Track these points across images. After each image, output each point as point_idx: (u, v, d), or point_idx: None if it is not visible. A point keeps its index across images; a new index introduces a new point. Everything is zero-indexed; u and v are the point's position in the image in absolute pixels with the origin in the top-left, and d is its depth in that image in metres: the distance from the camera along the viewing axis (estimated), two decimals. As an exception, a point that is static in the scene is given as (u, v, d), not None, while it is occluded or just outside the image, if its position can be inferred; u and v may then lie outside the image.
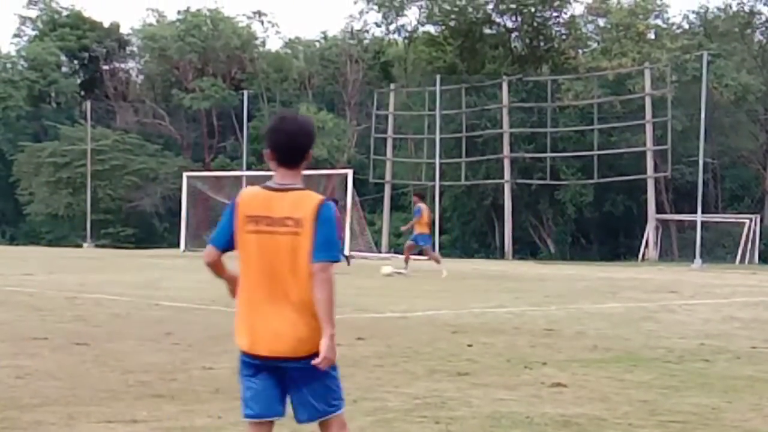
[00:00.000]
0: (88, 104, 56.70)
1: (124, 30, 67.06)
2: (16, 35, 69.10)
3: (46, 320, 13.23)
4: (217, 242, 4.77)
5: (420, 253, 28.05)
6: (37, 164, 57.47)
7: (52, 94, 65.42)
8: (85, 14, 66.91)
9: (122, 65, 68.07)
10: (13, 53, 67.55)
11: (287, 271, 4.54)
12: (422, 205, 26.72)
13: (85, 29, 65.12)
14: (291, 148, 4.72)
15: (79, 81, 67.16)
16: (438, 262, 25.90)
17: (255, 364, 4.61)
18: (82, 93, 64.77)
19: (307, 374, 4.55)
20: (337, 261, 4.62)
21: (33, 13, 68.14)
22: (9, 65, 65.23)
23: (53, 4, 67.49)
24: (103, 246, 49.59)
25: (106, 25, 66.68)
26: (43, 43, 64.08)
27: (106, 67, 64.97)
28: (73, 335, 11.55)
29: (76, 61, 67.66)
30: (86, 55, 65.84)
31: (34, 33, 67.74)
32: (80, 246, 49.48)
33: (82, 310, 14.63)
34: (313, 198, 4.66)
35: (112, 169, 55.32)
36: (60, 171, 56.30)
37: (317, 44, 62.49)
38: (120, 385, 8.40)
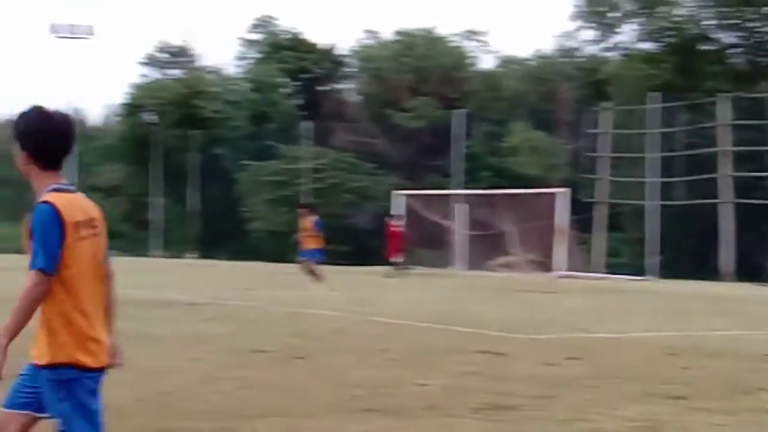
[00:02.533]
0: (307, 124, 58.52)
1: (341, 52, 68.91)
2: (240, 58, 72.21)
3: (268, 334, 13.71)
4: (54, 266, 4.07)
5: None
6: (258, 183, 59.66)
7: (274, 115, 67.87)
8: (305, 37, 69.22)
9: (339, 86, 69.89)
10: (238, 75, 70.61)
11: (102, 275, 4.36)
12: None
13: (305, 51, 67.30)
14: (66, 148, 4.30)
15: (298, 102, 69.44)
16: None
17: (97, 380, 4.28)
18: (302, 113, 66.89)
19: None
20: None
21: (257, 36, 71.08)
22: (234, 87, 68.14)
23: (276, 28, 70.17)
24: (320, 263, 50.71)
25: (324, 47, 68.71)
26: (265, 66, 66.64)
27: (324, 88, 66.87)
28: (293, 349, 11.93)
29: (296, 83, 69.98)
30: (305, 76, 68.01)
31: (257, 56, 70.59)
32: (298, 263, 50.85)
33: (300, 325, 15.09)
34: (89, 200, 4.46)
35: (329, 187, 56.76)
36: (280, 189, 58.20)
37: (530, 63, 62.24)
38: (335, 399, 8.63)
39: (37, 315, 4.13)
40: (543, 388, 9.38)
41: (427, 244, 47.63)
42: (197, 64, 73.80)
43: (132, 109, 70.37)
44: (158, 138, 65.83)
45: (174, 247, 61.75)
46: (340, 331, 14.44)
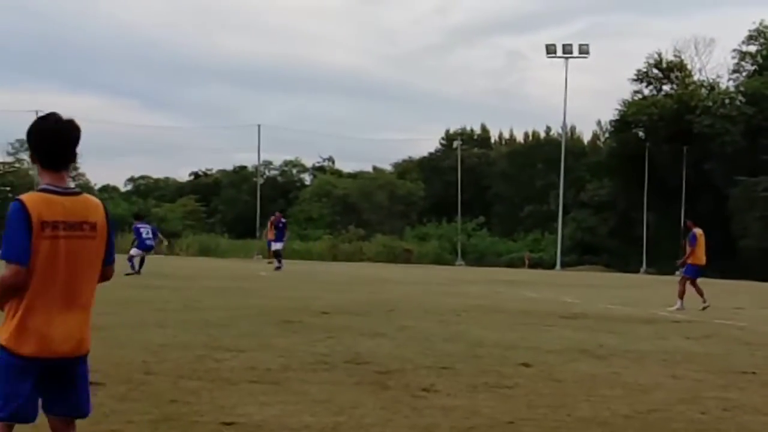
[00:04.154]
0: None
1: None
2: (734, 71, 70.05)
3: (755, 355, 13.22)
4: (25, 258, 4.43)
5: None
6: (751, 199, 57.44)
7: (770, 129, 65.00)
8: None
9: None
10: (732, 89, 68.52)
11: (85, 275, 4.62)
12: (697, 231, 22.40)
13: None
14: (60, 151, 4.60)
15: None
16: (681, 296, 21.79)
17: (35, 367, 4.51)
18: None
19: (84, 372, 4.75)
20: None
21: (752, 48, 68.54)
22: (727, 101, 66.23)
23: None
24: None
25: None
26: (761, 78, 64.08)
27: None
28: (782, 372, 11.43)
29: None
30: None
31: (753, 68, 68.07)
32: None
33: (792, 348, 14.37)
34: (99, 202, 4.70)
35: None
36: (775, 206, 55.69)
37: None
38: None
39: None
40: None
41: None
42: (690, 79, 72.70)
43: (622, 125, 70.94)
44: (648, 154, 65.71)
45: (661, 263, 61.19)
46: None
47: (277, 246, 38.04)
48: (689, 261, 22.56)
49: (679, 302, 21.82)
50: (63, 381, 4.65)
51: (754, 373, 11.25)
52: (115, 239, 4.83)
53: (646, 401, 9.05)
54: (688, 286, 22.24)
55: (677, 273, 22.71)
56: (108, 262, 4.76)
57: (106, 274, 4.80)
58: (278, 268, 36.22)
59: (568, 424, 7.92)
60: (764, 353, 13.49)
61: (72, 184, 4.66)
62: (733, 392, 9.78)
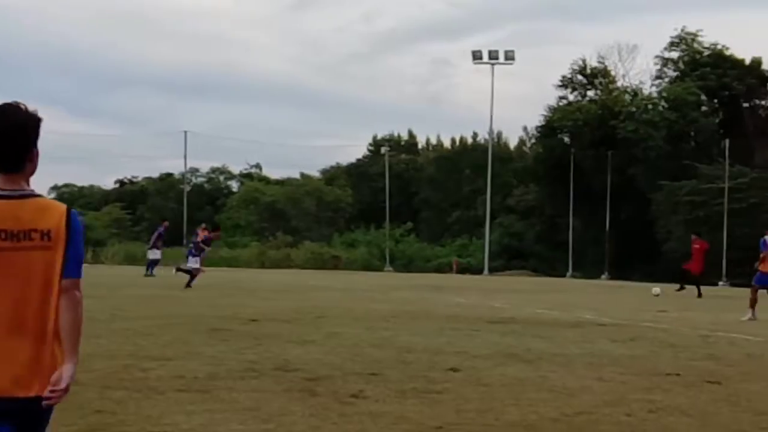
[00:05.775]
0: (726, 142, 56.49)
1: (766, 66, 65.91)
2: (657, 77, 71.27)
3: (679, 357, 13.42)
4: None
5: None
6: (674, 203, 58.46)
7: (692, 133, 66.22)
8: (727, 53, 66.97)
9: (763, 102, 66.82)
10: (655, 94, 69.72)
11: (33, 295, 3.71)
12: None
13: (726, 68, 65.16)
14: (9, 145, 3.74)
15: (718, 120, 67.25)
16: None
17: None
18: (721, 131, 64.71)
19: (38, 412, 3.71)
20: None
21: (674, 54, 69.84)
22: (650, 106, 67.34)
23: (695, 45, 68.53)
24: (738, 285, 48.73)
25: (747, 62, 66.07)
26: (683, 84, 65.28)
27: (746, 105, 64.23)
28: (705, 373, 11.60)
29: (715, 100, 67.88)
30: (726, 93, 65.76)
31: (675, 74, 69.34)
32: (715, 284, 49.17)
33: (714, 349, 14.61)
34: (57, 206, 3.86)
35: (749, 207, 54.46)
36: (697, 209, 56.70)
37: None
38: (751, 427, 8.31)
39: None
40: None
41: None
42: (613, 84, 73.79)
43: (548, 131, 71.73)
44: (573, 159, 66.52)
45: (587, 268, 61.99)
46: (758, 356, 13.81)
47: (152, 255, 38.54)
48: (761, 268, 21.69)
49: (750, 311, 21.34)
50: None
51: (678, 374, 11.40)
52: (82, 249, 3.87)
53: (572, 404, 9.13)
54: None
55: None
56: (66, 274, 3.76)
57: (66, 291, 3.76)
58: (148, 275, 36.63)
59: (495, 428, 7.96)
60: (688, 355, 13.70)
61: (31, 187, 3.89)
62: (657, 394, 9.90)
